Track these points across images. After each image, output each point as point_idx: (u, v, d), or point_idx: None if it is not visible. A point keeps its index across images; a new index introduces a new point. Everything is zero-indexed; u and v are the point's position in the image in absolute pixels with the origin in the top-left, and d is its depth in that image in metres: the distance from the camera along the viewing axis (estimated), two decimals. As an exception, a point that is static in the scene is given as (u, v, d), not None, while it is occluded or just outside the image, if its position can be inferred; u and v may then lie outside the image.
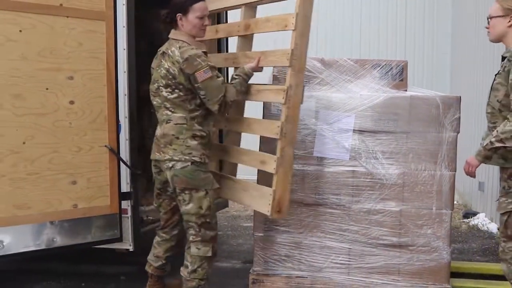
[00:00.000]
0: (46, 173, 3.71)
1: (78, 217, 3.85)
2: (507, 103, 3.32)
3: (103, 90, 3.92)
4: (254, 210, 4.09)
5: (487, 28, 3.47)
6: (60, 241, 3.80)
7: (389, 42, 9.50)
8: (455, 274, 4.18)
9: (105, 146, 3.94)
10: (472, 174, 3.47)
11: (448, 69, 9.44)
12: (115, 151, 3.97)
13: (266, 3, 3.87)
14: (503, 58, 3.42)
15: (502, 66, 3.39)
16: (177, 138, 3.51)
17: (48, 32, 3.68)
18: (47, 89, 3.70)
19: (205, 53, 3.56)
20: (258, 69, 3.64)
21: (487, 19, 3.45)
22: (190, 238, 3.60)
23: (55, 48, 3.71)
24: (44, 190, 3.70)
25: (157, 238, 3.90)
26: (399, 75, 4.06)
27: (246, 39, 3.88)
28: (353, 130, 3.88)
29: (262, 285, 4.01)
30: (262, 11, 3.99)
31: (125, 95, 4.06)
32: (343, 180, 3.91)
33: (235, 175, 4.03)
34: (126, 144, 4.09)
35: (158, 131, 3.61)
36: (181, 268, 3.66)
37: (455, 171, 3.85)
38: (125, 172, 4.07)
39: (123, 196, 4.03)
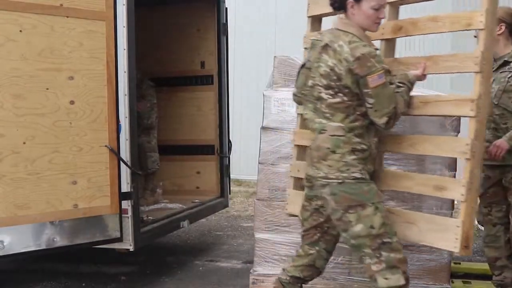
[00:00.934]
0: (47, 173, 3.70)
1: (78, 217, 3.84)
2: None
3: (103, 90, 3.92)
4: (255, 210, 4.10)
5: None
6: (60, 241, 3.79)
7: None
8: (455, 274, 4.18)
9: (106, 146, 3.93)
10: (498, 157, 3.52)
11: (448, 69, 9.43)
12: (115, 151, 3.97)
13: (416, 2, 3.51)
14: (507, 62, 3.51)
15: None
16: (333, 152, 2.94)
17: (48, 32, 3.68)
18: (47, 89, 3.70)
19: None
20: (422, 77, 3.13)
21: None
22: (373, 268, 2.91)
23: (55, 48, 3.71)
24: (44, 190, 3.70)
25: (297, 251, 3.41)
26: (399, 75, 4.05)
27: (391, 44, 3.38)
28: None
29: (263, 285, 4.01)
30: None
31: (125, 95, 4.05)
32: (343, 180, 3.90)
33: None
34: (126, 144, 4.08)
35: (310, 142, 3.11)
36: None
37: (455, 171, 3.84)
38: (125, 172, 4.06)
39: (123, 196, 4.03)
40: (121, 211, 4.02)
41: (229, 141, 5.95)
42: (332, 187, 2.94)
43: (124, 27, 4.02)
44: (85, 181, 3.86)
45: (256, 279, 4.04)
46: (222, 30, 5.81)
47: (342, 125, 2.94)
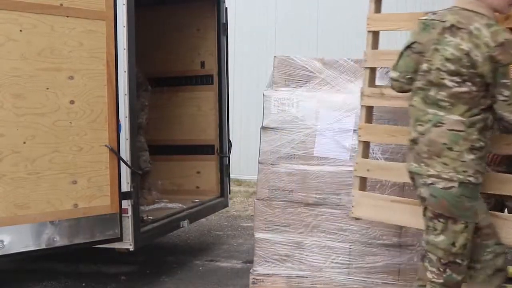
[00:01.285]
0: (47, 172, 3.70)
1: (78, 216, 3.84)
2: None
3: (104, 89, 3.92)
4: (255, 210, 4.10)
5: None
6: (60, 240, 3.79)
7: (389, 42, 9.49)
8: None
9: (106, 145, 3.93)
10: (495, 162, 3.47)
11: (448, 69, 9.43)
12: (115, 151, 3.97)
13: None
14: None
15: None
16: (450, 149, 2.65)
17: (48, 32, 3.68)
18: (47, 88, 3.70)
19: None
20: None
21: None
22: (429, 275, 2.79)
23: (55, 48, 3.71)
24: (44, 189, 3.69)
25: None
26: (399, 75, 4.04)
27: None
28: (353, 130, 3.88)
29: (263, 285, 4.01)
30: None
31: (125, 94, 4.05)
32: (343, 180, 3.90)
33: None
34: (126, 144, 4.08)
35: (417, 135, 2.79)
36: None
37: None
38: (125, 171, 4.06)
39: (123, 195, 4.03)
40: (121, 211, 4.02)
41: (229, 141, 5.95)
42: (434, 188, 2.70)
43: (124, 27, 4.02)
44: (85, 181, 3.86)
45: (256, 279, 4.04)
46: (222, 30, 5.81)
47: (462, 119, 2.64)
